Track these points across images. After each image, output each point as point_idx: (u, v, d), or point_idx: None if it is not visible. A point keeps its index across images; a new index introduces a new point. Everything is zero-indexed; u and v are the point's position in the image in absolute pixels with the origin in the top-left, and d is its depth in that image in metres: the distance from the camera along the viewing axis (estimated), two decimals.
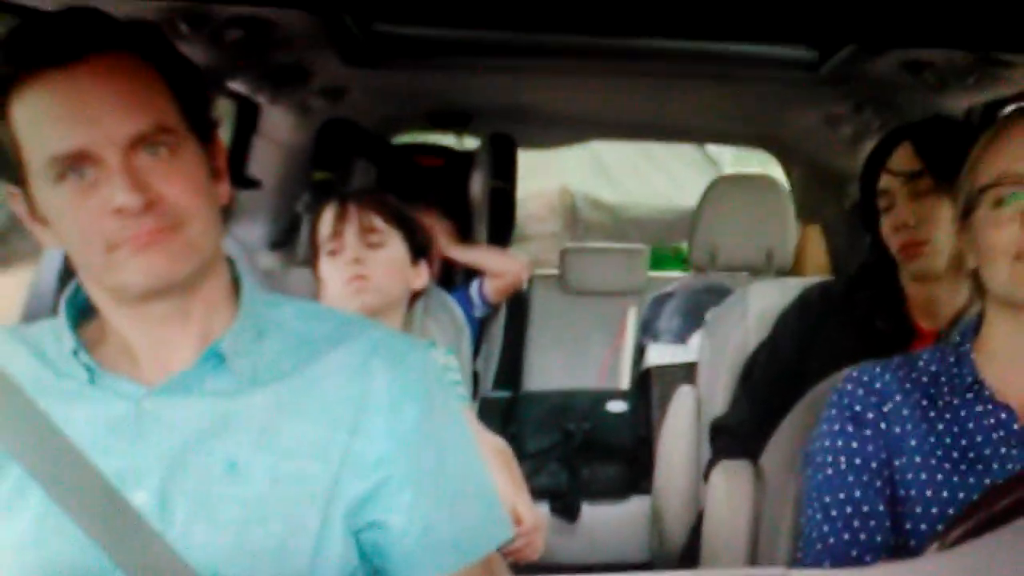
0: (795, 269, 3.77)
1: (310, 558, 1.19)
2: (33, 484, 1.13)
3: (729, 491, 1.93)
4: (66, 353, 1.22)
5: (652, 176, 6.73)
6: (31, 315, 2.19)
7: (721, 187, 3.59)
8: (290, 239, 3.51)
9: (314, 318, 1.32)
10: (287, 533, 1.18)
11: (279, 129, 3.25)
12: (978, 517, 0.98)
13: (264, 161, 3.23)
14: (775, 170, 4.39)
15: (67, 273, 2.23)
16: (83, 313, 1.26)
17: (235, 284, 1.30)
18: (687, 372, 2.77)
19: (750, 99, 3.51)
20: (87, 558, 1.13)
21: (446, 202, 3.70)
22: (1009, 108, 2.46)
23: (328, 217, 2.20)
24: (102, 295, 1.22)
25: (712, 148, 6.49)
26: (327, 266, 2.19)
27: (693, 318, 3.26)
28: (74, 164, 1.12)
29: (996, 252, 1.38)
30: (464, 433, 1.34)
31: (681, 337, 3.31)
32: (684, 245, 4.31)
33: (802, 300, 2.17)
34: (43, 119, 1.12)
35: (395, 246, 2.20)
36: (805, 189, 4.10)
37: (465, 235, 3.66)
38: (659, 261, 4.75)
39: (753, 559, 1.81)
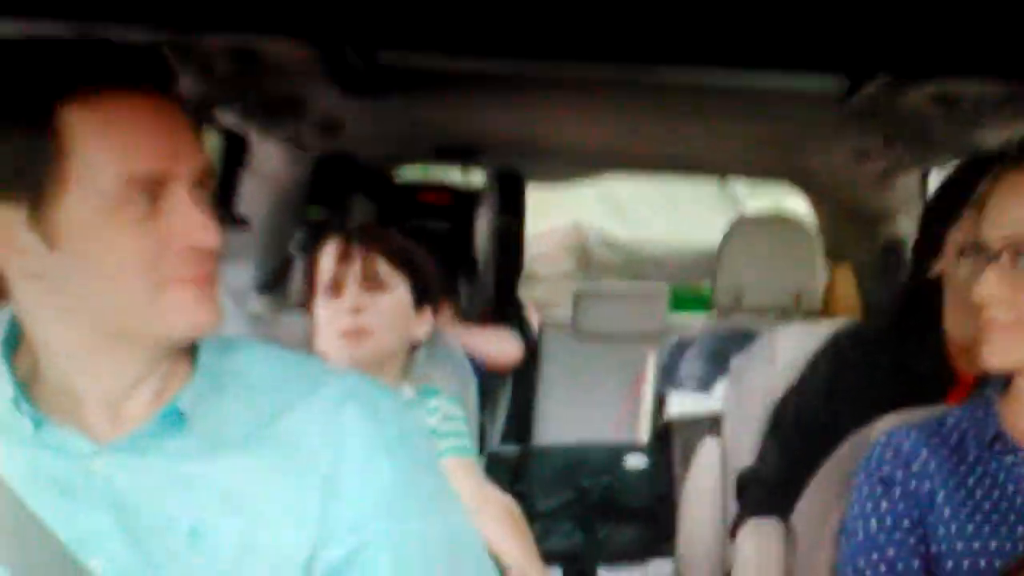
0: (824, 311, 3.74)
1: None
2: None
3: (758, 552, 1.90)
4: (3, 402, 1.14)
5: (669, 213, 6.72)
6: None
7: (745, 226, 3.57)
8: (281, 282, 3.48)
9: (278, 365, 1.27)
10: None
11: (270, 164, 3.22)
12: None
13: (254, 199, 3.20)
14: (797, 206, 4.39)
15: None
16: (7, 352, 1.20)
17: None
18: (711, 423, 2.73)
19: (774, 133, 3.49)
20: None
21: (451, 246, 3.69)
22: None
23: (329, 256, 2.11)
24: (82, 344, 1.14)
25: (731, 185, 6.49)
26: (324, 310, 2.08)
27: (717, 364, 3.21)
28: (146, 189, 1.08)
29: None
30: (446, 489, 1.29)
31: (704, 385, 3.26)
32: (706, 285, 4.28)
33: (834, 344, 2.12)
34: (120, 136, 1.08)
35: (399, 291, 2.11)
36: (834, 227, 4.08)
37: (470, 277, 3.64)
38: (680, 302, 4.71)
39: None
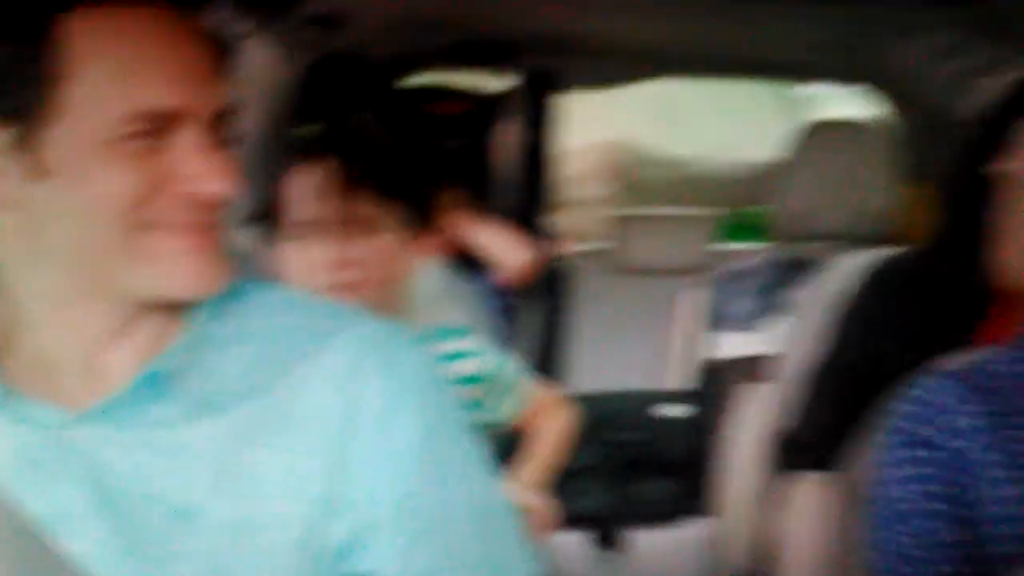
0: (904, 238, 3.76)
1: None
2: None
3: (808, 509, 1.98)
4: None
5: (724, 124, 6.67)
6: None
7: (811, 138, 3.58)
8: (274, 212, 3.49)
9: (288, 312, 1.27)
10: None
11: (262, 69, 3.20)
12: None
13: (242, 115, 3.21)
14: (875, 114, 4.39)
15: None
16: None
17: None
18: (762, 367, 2.77)
19: (847, 26, 3.50)
20: None
21: (465, 163, 3.72)
22: None
23: (308, 187, 2.02)
24: (56, 291, 1.15)
25: (798, 90, 6.45)
26: (299, 255, 2.01)
27: (772, 301, 3.25)
28: (153, 123, 1.09)
29: None
30: (471, 451, 1.28)
31: (756, 324, 3.32)
32: (763, 211, 4.30)
33: (871, 282, 2.18)
34: (129, 59, 1.08)
35: (390, 228, 2.03)
36: (916, 139, 4.08)
37: (490, 203, 3.68)
38: (734, 230, 4.74)
39: None
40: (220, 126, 1.14)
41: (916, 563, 1.48)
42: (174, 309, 1.19)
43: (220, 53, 1.16)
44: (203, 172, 1.11)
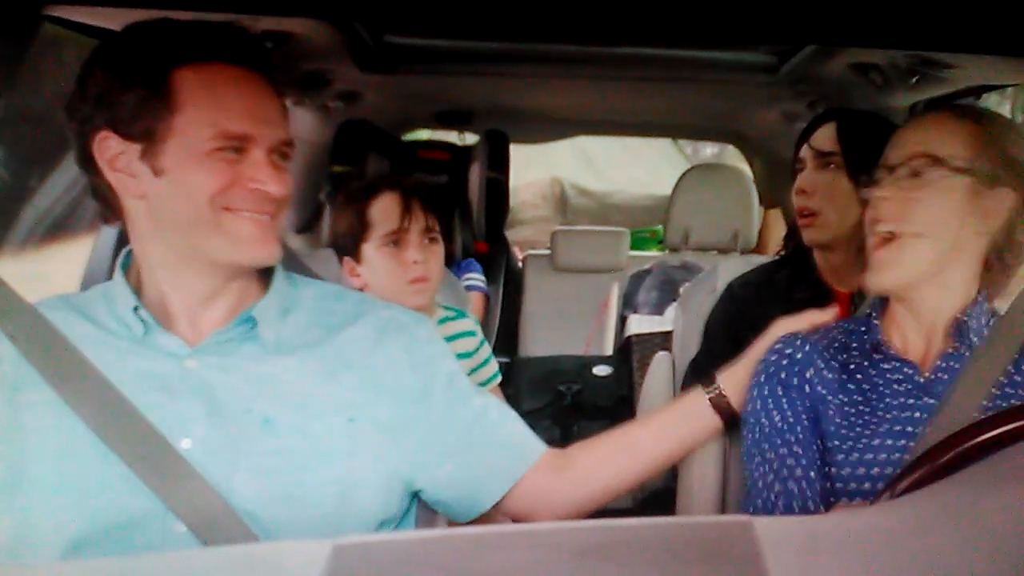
0: (758, 248, 3.75)
1: (337, 505, 1.21)
2: (91, 433, 1.15)
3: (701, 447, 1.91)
4: (120, 312, 1.23)
5: (632, 167, 6.72)
6: (89, 284, 2.15)
7: (693, 176, 3.56)
8: (314, 225, 3.52)
9: (332, 298, 1.36)
10: (316, 483, 1.21)
11: (303, 128, 3.24)
12: (924, 469, 0.97)
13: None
14: (737, 160, 4.39)
15: (121, 244, 2.20)
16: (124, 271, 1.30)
17: (266, 269, 1.31)
18: (663, 340, 2.74)
19: (717, 99, 3.49)
20: (144, 502, 1.14)
21: (450, 194, 3.69)
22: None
23: (391, 208, 1.96)
24: (169, 258, 1.23)
25: (683, 143, 6.46)
26: (385, 259, 1.95)
27: (668, 292, 3.24)
28: (233, 143, 1.18)
29: None
30: (452, 385, 1.36)
31: (658, 309, 3.29)
32: (660, 228, 4.28)
33: (727, 294, 2.10)
34: (220, 101, 1.17)
35: (441, 242, 2.03)
36: (766, 177, 4.07)
37: (465, 220, 3.63)
38: (638, 242, 4.72)
39: (723, 508, 1.79)
40: (280, 150, 1.23)
41: (783, 472, 1.40)
42: (251, 281, 1.29)
43: (280, 103, 1.24)
44: (265, 177, 1.19)
